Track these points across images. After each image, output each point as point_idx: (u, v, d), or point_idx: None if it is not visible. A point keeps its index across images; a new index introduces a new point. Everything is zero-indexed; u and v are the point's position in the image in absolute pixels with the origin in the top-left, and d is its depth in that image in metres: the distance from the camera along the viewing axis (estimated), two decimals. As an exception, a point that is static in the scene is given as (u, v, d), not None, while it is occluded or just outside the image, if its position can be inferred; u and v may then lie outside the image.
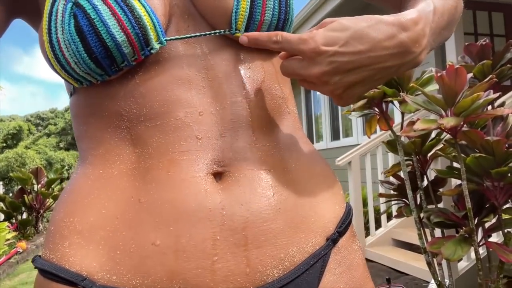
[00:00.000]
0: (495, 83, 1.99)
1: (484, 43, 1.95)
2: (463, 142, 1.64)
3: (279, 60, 0.46)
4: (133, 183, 0.38)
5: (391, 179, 2.09)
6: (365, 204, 3.71)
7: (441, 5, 0.43)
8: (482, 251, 2.22)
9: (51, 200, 6.11)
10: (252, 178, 0.39)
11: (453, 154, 1.76)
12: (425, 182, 1.99)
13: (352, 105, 1.87)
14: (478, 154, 1.52)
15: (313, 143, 6.71)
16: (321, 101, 6.04)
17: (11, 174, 6.00)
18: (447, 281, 1.98)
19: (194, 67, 0.42)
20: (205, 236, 0.36)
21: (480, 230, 1.82)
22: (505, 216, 1.76)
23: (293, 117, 0.49)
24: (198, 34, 0.42)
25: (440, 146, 1.89)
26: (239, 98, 0.42)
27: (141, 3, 0.39)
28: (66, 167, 9.85)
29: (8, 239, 4.46)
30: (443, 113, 1.44)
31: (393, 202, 2.15)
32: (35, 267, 0.39)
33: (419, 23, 0.38)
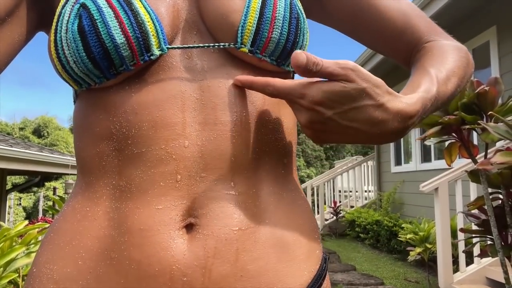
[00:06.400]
0: None
1: None
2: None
3: None
4: (109, 232, 0.39)
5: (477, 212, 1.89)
6: (454, 235, 3.36)
7: (444, 89, 0.42)
8: None
9: None
10: (219, 238, 0.38)
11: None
12: (516, 220, 1.75)
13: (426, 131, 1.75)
14: None
15: (401, 164, 6.26)
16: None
17: None
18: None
19: (190, 85, 0.40)
20: None
21: None
22: None
23: (289, 153, 0.45)
24: (201, 45, 0.41)
25: (534, 179, 1.65)
26: (228, 132, 0.40)
27: (146, 10, 0.39)
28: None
29: None
30: (530, 144, 1.28)
31: (478, 239, 1.93)
32: None
33: (414, 116, 0.37)
